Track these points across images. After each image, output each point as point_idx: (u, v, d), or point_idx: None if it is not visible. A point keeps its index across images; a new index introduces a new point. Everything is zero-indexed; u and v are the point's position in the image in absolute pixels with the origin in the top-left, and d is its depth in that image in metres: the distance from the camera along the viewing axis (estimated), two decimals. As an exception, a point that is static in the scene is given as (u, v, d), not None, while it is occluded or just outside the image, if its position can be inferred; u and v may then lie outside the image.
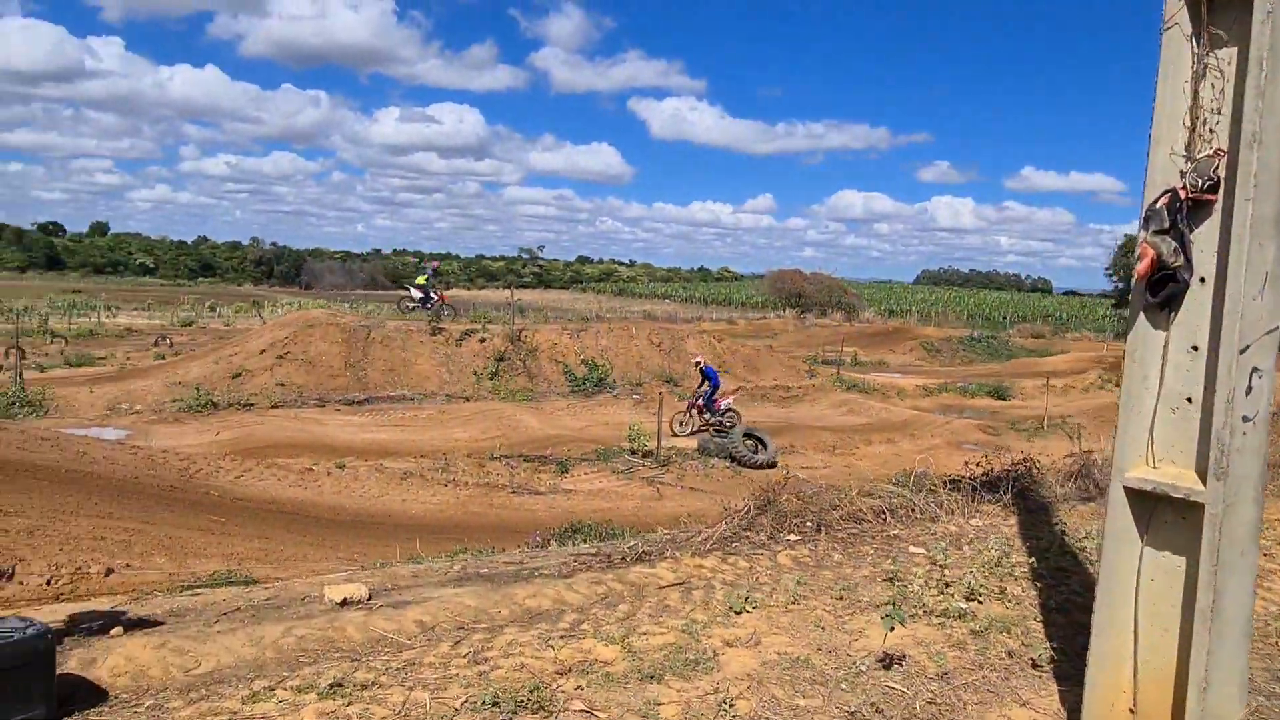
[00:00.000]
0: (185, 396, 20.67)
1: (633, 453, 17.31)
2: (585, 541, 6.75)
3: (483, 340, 26.49)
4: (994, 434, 21.84)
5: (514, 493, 13.68)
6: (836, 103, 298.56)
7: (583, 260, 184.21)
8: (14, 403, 18.72)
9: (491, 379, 25.42)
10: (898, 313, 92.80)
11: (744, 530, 6.31)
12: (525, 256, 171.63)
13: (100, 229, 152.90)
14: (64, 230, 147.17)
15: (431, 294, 28.06)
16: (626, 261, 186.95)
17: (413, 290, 28.76)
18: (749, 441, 17.62)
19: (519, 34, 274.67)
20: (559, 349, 27.62)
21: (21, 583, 5.61)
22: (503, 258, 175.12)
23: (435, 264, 33.15)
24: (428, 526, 10.89)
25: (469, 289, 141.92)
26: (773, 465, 17.42)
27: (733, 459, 17.22)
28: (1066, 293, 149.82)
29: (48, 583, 5.65)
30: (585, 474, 15.85)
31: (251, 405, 20.86)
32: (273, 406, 20.96)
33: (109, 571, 6.01)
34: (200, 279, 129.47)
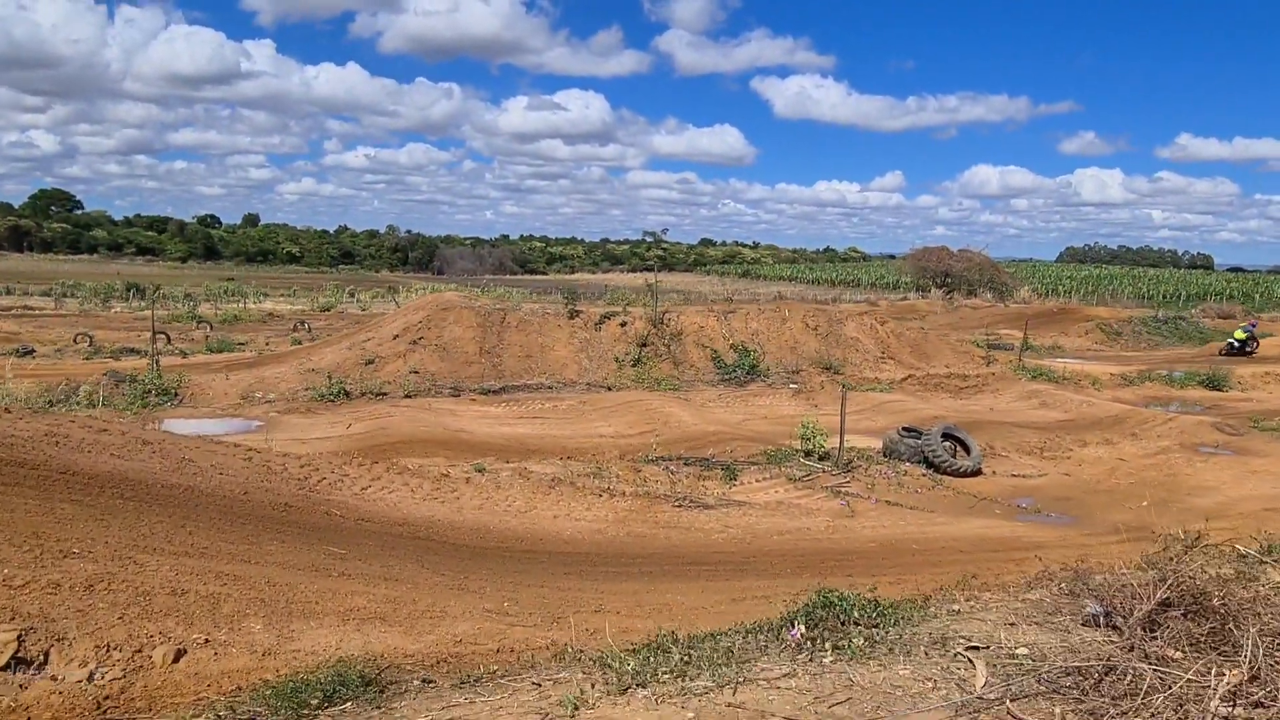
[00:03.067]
0: (318, 384, 19.59)
1: (807, 454, 14.89)
2: (852, 621, 4.50)
3: (623, 324, 24.55)
4: (1234, 433, 18.21)
5: (678, 505, 11.55)
6: (972, 74, 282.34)
7: (706, 243, 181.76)
8: (149, 390, 18.00)
9: (634, 366, 23.45)
10: (1054, 292, 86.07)
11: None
12: (649, 240, 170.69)
13: (252, 220, 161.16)
14: (220, 222, 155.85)
15: (1248, 345, 33.66)
16: (750, 244, 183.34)
17: (1232, 340, 34.27)
18: (947, 443, 14.90)
19: (644, 18, 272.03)
20: (705, 333, 25.39)
21: (55, 677, 3.82)
22: (627, 241, 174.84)
23: (1254, 321, 39.77)
24: (585, 554, 8.87)
25: (594, 273, 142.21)
26: (977, 472, 14.68)
27: (928, 464, 14.56)
28: (1231, 269, 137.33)
29: (89, 677, 3.82)
30: (756, 481, 13.57)
31: (385, 394, 19.58)
32: (406, 396, 19.63)
33: (179, 654, 4.15)
34: (341, 266, 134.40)
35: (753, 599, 7.92)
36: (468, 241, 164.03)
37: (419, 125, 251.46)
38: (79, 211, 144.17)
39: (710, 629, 6.87)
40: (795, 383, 24.18)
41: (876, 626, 4.59)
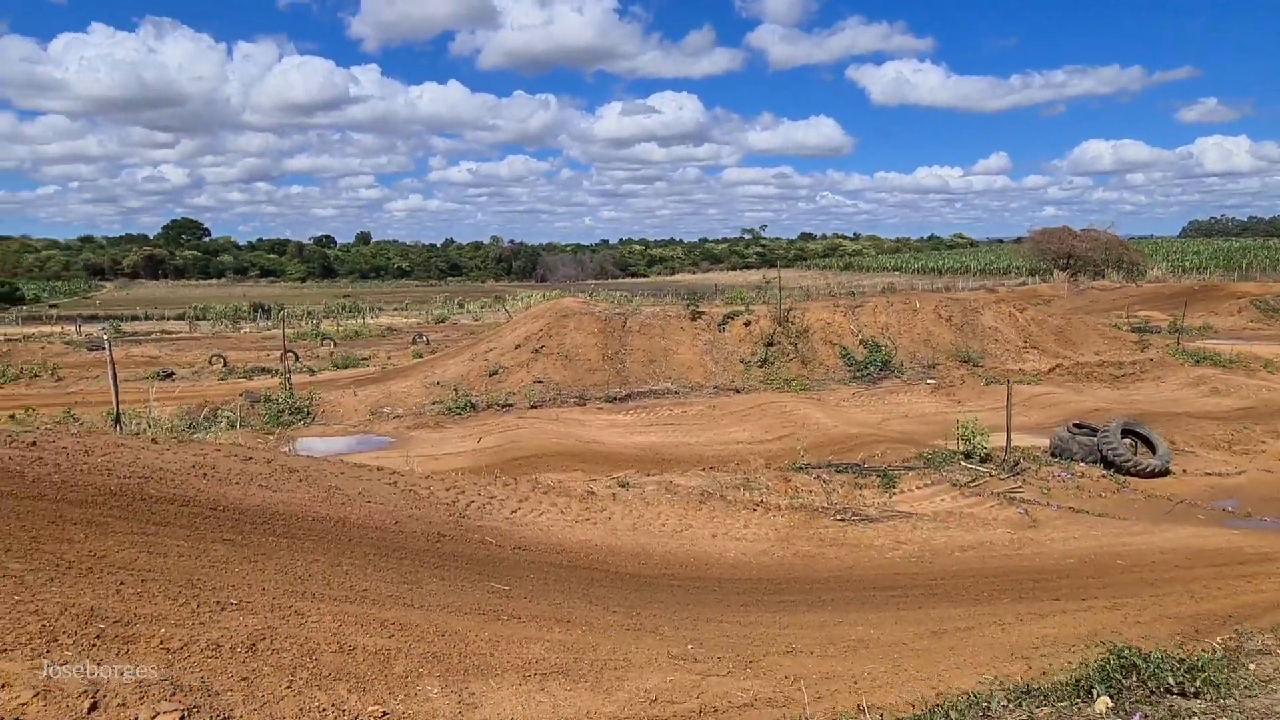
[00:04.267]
0: (444, 398, 19.43)
1: (968, 456, 13.67)
2: (1165, 689, 3.54)
3: (747, 323, 23.63)
4: None
5: (841, 519, 10.60)
6: (1079, 46, 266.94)
7: (806, 237, 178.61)
8: (283, 410, 18.15)
9: (761, 366, 22.50)
10: (1184, 269, 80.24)
11: None
12: (747, 237, 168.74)
13: (364, 238, 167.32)
14: (335, 242, 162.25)
15: None
16: (850, 235, 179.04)
17: None
18: (1128, 440, 13.42)
19: (734, 15, 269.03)
20: (833, 329, 24.21)
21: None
22: (725, 240, 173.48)
23: None
24: (756, 580, 8.05)
25: (694, 273, 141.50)
26: (1165, 472, 13.15)
27: (1108, 464, 13.13)
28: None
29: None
30: (917, 488, 12.47)
31: (510, 405, 19.25)
32: (532, 406, 19.25)
33: (354, 730, 3.51)
34: (449, 278, 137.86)
35: (955, 631, 6.96)
36: (569, 248, 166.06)
37: (518, 137, 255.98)
38: (207, 239, 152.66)
39: (920, 671, 5.96)
40: (932, 378, 22.76)
41: (1200, 695, 3.61)
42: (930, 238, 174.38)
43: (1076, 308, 44.84)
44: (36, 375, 26.20)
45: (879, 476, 12.68)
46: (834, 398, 20.72)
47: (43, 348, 34.25)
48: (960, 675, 5.76)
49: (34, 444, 6.78)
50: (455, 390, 19.54)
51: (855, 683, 5.55)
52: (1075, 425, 14.36)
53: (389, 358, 30.05)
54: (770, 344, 23.08)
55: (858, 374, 22.67)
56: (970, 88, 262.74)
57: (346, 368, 26.81)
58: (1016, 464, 13.33)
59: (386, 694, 4.20)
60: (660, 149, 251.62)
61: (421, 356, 28.36)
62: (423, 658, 4.68)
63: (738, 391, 21.12)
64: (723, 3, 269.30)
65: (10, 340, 37.96)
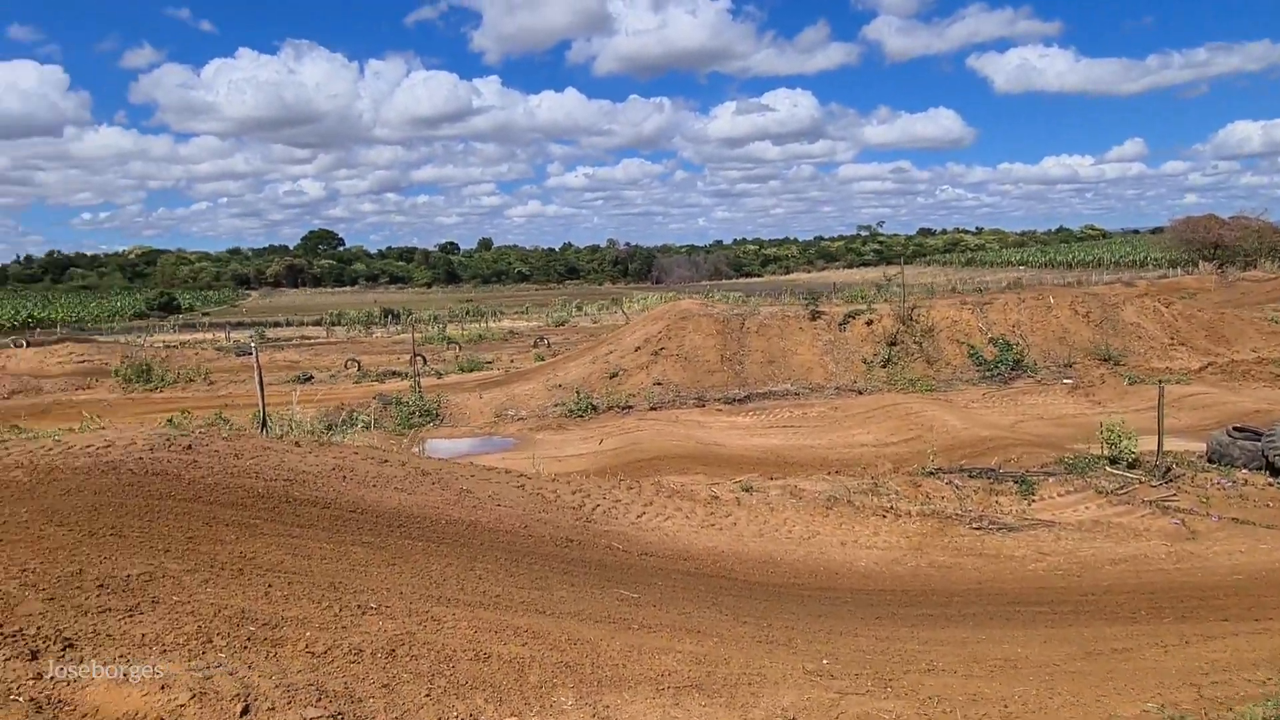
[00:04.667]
0: (566, 400, 19.68)
1: (1114, 461, 12.81)
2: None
3: (869, 322, 22.97)
4: None
5: (976, 528, 10.10)
6: (1223, 22, 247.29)
7: (925, 232, 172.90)
8: (413, 412, 18.78)
9: (884, 366, 21.84)
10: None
11: None
12: (864, 234, 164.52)
13: (486, 244, 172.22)
14: (458, 248, 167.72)
15: None
16: (972, 229, 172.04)
17: None
18: (1300, 445, 12.29)
19: (850, 9, 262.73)
20: (959, 327, 23.26)
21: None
22: (841, 237, 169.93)
23: None
24: (889, 591, 7.74)
25: (809, 271, 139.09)
26: (1347, 481, 11.96)
27: (1276, 471, 12.05)
28: None
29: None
30: (1059, 495, 11.76)
31: (630, 407, 19.32)
32: (651, 408, 19.27)
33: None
34: (567, 281, 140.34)
35: (1112, 652, 6.48)
36: (683, 249, 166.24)
37: (632, 141, 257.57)
38: (341, 248, 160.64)
39: (1076, 695, 5.55)
40: (1069, 377, 21.54)
41: None
42: (1058, 230, 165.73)
43: (1227, 301, 41.64)
44: (191, 380, 28.05)
45: (1016, 482, 12.03)
46: (962, 399, 19.89)
47: (196, 354, 36.68)
48: (1122, 702, 5.35)
49: (189, 447, 7.17)
50: (576, 392, 19.77)
51: (1005, 706, 5.22)
52: (1236, 429, 13.25)
53: (511, 360, 30.75)
54: (893, 343, 22.36)
55: (987, 374, 21.69)
56: (1102, 71, 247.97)
57: (471, 371, 27.56)
58: (1169, 470, 12.40)
59: (522, 705, 4.19)
60: (774, 147, 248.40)
61: (543, 359, 28.87)
62: (556, 667, 4.66)
63: (860, 392, 20.55)
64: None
65: (169, 347, 40.84)
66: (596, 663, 4.86)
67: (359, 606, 4.91)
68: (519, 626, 5.14)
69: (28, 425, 12.39)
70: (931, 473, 12.73)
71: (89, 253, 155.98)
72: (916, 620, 6.87)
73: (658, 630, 5.63)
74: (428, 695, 4.04)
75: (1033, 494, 11.70)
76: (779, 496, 10.71)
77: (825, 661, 5.62)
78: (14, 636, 3.75)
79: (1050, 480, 12.45)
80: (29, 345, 37.09)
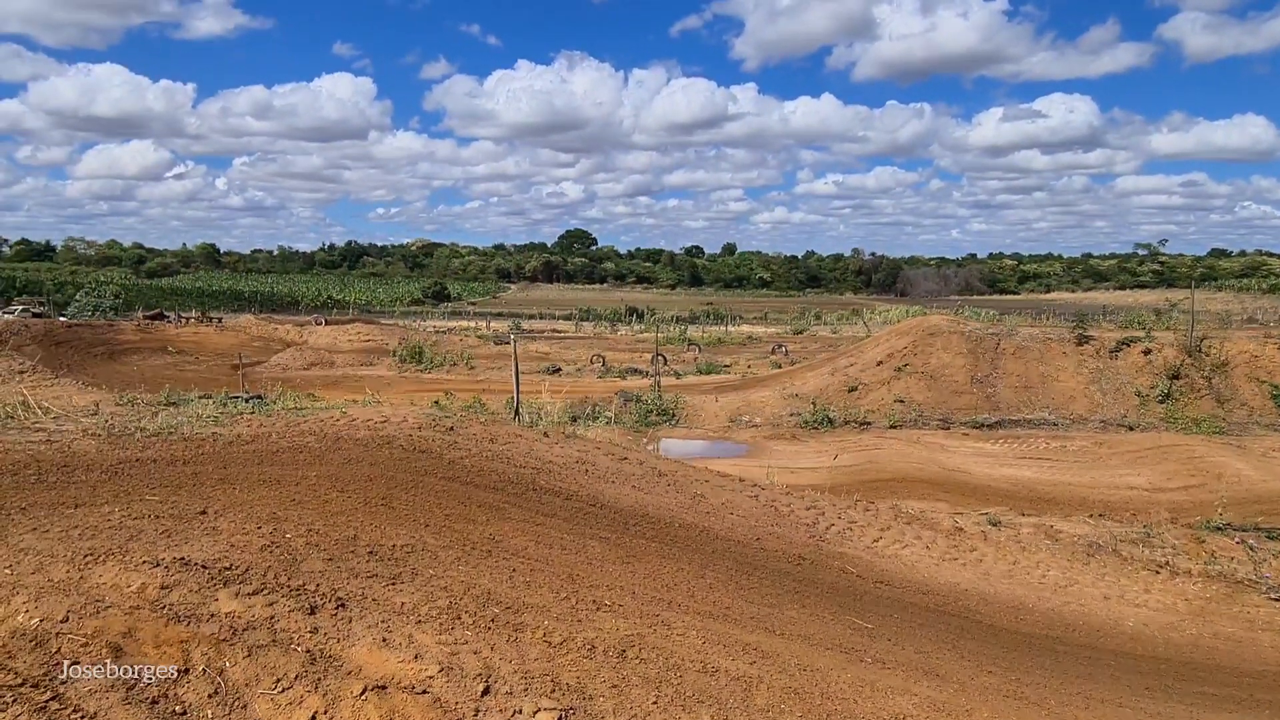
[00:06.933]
0: (801, 410, 19.33)
1: None
2: None
3: (1147, 352, 20.63)
4: None
5: (1275, 598, 8.71)
6: None
7: (1217, 253, 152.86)
8: (652, 411, 19.22)
9: (1162, 402, 19.52)
10: None
11: None
12: (1142, 253, 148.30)
13: (730, 249, 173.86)
14: (703, 252, 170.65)
15: None
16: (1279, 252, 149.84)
17: None
18: None
19: (1146, 6, 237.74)
20: (1261, 363, 20.32)
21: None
22: (1114, 255, 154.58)
23: None
24: (1163, 660, 6.82)
25: (1072, 291, 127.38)
26: None
27: None
28: None
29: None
30: (1390, 573, 9.88)
31: (868, 424, 18.63)
32: (891, 426, 18.46)
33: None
34: (808, 289, 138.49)
35: None
36: (932, 262, 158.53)
37: (887, 148, 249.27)
38: (594, 248, 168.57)
39: None
40: None
41: None
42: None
43: None
44: (455, 364, 30.55)
45: (1332, 551, 10.26)
46: (1260, 446, 17.33)
47: (461, 340, 39.94)
48: None
49: (451, 429, 7.71)
50: (813, 404, 19.36)
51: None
52: None
53: (749, 366, 30.73)
54: (1176, 377, 19.93)
55: (1297, 420, 18.76)
56: None
57: (709, 373, 27.85)
58: None
59: (748, 726, 4.07)
60: (1043, 156, 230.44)
61: (780, 367, 28.59)
62: (784, 692, 4.50)
63: (1130, 429, 18.51)
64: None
65: (439, 332, 44.79)
66: (826, 693, 4.64)
67: (594, 601, 5.01)
68: (747, 643, 5.02)
69: (322, 395, 13.98)
70: (1219, 528, 11.18)
71: (379, 243, 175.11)
72: (1196, 699, 6.00)
73: (892, 668, 5.30)
74: (655, 703, 4.02)
75: (1353, 567, 9.93)
76: (1031, 535, 9.84)
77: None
78: (298, 591, 4.16)
79: (1378, 553, 10.53)
80: (327, 323, 42.13)
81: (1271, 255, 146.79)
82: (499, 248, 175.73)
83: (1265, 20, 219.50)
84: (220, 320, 44.22)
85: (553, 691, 3.84)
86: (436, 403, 10.49)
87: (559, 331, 53.38)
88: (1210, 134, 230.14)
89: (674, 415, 19.19)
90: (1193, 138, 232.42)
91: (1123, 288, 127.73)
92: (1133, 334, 21.65)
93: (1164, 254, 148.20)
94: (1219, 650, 7.33)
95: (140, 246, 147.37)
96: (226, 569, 4.24)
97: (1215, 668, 6.78)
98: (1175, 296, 28.05)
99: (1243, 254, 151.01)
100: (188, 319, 42.94)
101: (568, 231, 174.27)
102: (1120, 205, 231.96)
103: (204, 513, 5.07)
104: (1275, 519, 12.45)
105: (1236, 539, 10.77)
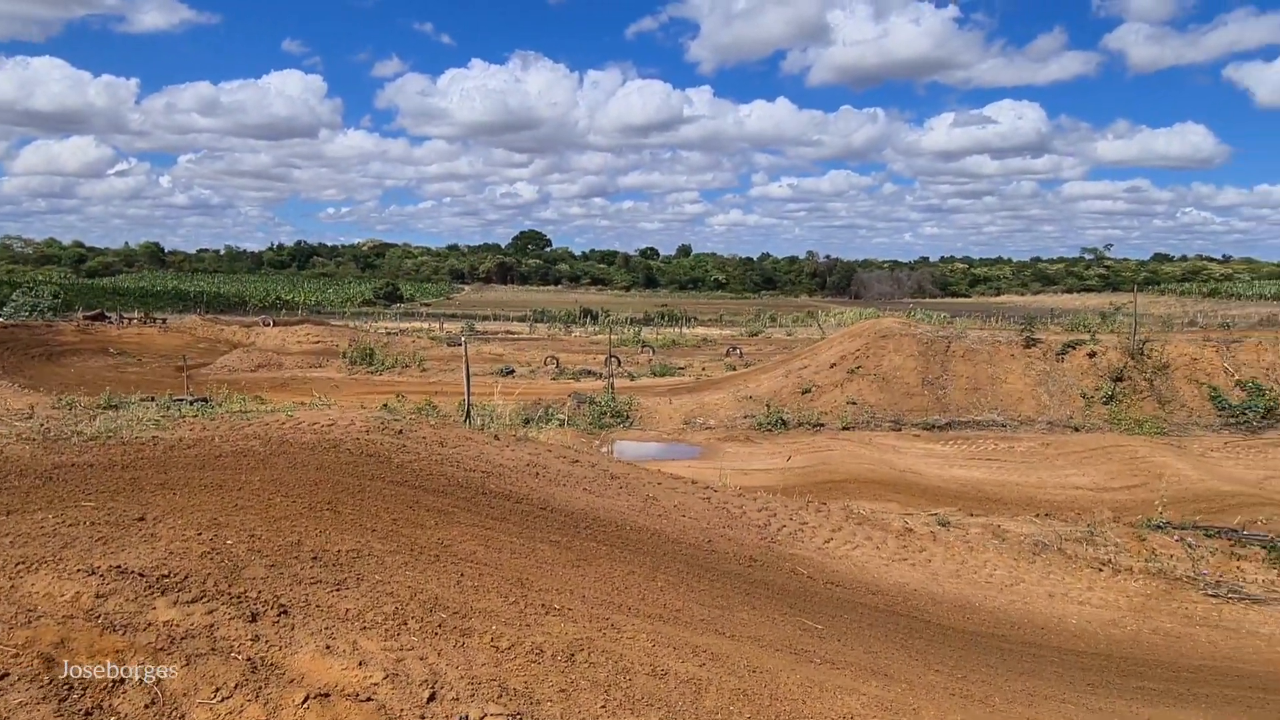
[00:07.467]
0: (755, 413, 19.45)
1: (1391, 536, 11.01)
2: None
3: (1092, 354, 21.15)
4: None
5: (1212, 594, 8.97)
6: None
7: (1160, 258, 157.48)
8: (605, 413, 19.19)
9: (1106, 404, 20.02)
10: None
11: None
12: (1088, 257, 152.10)
13: (685, 251, 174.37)
14: (658, 254, 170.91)
15: None
16: (1219, 257, 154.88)
17: None
18: None
19: (1091, 16, 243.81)
20: (1200, 366, 20.94)
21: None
22: (1061, 259, 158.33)
23: None
24: (1104, 656, 6.98)
25: (1022, 294, 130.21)
26: None
27: None
28: None
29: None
30: (1319, 568, 10.24)
31: (822, 425, 18.81)
32: (844, 428, 18.67)
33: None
34: (763, 291, 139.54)
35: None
36: (885, 265, 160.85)
37: (841, 152, 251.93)
38: (548, 249, 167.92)
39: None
40: (1336, 432, 18.83)
41: None
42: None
43: None
44: (407, 365, 30.18)
45: (1264, 548, 10.59)
46: (1199, 446, 17.87)
47: (412, 341, 39.47)
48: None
49: (400, 432, 7.60)
50: (766, 406, 19.49)
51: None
52: None
53: (703, 368, 30.84)
54: (1119, 379, 20.46)
55: (1231, 421, 19.38)
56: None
57: (663, 376, 27.89)
58: None
59: (699, 726, 4.06)
60: (993, 161, 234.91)
61: (734, 369, 28.74)
62: (733, 694, 4.50)
63: (1076, 430, 18.95)
64: (1078, 4, 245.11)
65: (390, 334, 44.22)
66: (775, 694, 4.65)
67: (543, 606, 4.97)
68: (698, 645, 5.02)
69: (269, 397, 13.70)
70: (1159, 526, 11.48)
71: (330, 243, 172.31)
72: (1136, 694, 6.15)
73: (841, 668, 5.34)
74: (603, 706, 4.00)
75: (1284, 563, 10.27)
76: (979, 535, 10.01)
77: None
78: (239, 598, 4.06)
79: (1307, 549, 10.90)
80: (275, 324, 41.34)
81: (1211, 260, 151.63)
82: (452, 248, 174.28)
83: (1205, 32, 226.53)
84: (164, 321, 43.18)
85: (500, 697, 3.79)
86: (386, 405, 10.34)
87: (513, 333, 53.07)
88: (1153, 142, 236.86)
89: (628, 417, 19.18)
90: (1136, 145, 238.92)
91: (1070, 291, 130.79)
92: (1078, 337, 22.17)
93: (1109, 258, 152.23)
94: (1158, 645, 7.52)
95: (81, 245, 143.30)
96: (165, 576, 4.12)
97: (1155, 663, 6.96)
98: (1119, 300, 28.80)
99: (1184, 259, 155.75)
100: (130, 320, 41.82)
101: (522, 232, 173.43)
102: (1067, 210, 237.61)
103: (142, 519, 4.93)
104: (1213, 517, 12.83)
105: (1176, 537, 11.06)
